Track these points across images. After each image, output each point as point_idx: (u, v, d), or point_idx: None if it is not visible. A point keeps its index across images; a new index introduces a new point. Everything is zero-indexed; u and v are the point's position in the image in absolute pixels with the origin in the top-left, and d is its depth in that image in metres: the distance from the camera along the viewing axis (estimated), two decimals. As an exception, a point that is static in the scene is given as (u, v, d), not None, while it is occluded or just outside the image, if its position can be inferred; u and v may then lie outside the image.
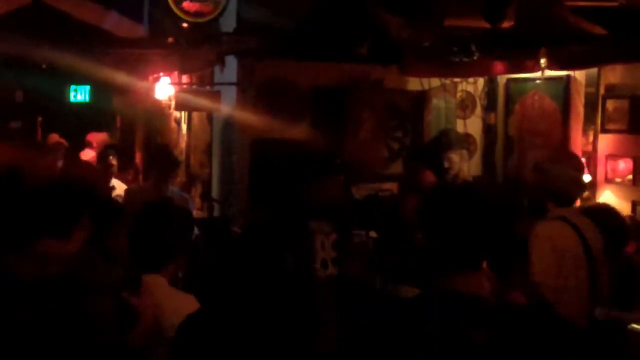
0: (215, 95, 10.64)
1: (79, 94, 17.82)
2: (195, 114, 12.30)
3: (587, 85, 9.26)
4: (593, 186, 8.95)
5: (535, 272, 5.17)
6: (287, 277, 2.91)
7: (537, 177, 5.56)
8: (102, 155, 10.90)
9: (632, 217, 8.14)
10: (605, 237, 5.33)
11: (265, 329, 2.87)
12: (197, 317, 3.28)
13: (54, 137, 13.74)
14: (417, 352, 2.80)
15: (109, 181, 9.78)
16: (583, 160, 8.88)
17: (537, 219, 5.46)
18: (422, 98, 10.76)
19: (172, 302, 4.05)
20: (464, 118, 10.82)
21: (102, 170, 9.96)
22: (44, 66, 14.16)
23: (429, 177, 8.37)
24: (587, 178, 8.83)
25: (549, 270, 5.11)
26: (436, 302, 2.92)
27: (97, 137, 13.12)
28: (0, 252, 3.45)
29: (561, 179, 5.36)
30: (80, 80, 17.27)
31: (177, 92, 11.53)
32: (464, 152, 10.27)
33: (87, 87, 17.66)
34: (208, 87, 11.28)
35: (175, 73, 12.52)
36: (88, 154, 12.75)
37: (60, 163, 10.46)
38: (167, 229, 4.28)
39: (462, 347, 2.78)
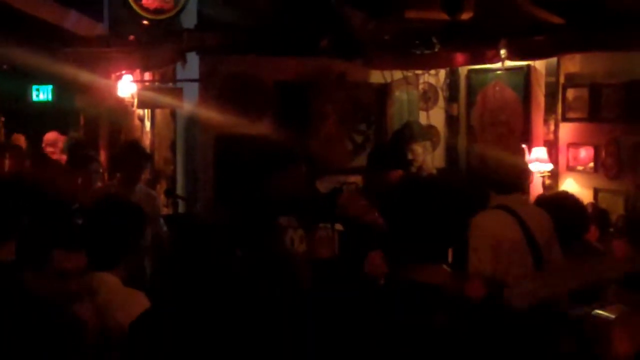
0: (178, 92, 10.61)
1: (42, 94, 17.69)
2: (158, 111, 12.26)
3: (547, 74, 9.34)
4: (555, 174, 9.04)
5: (472, 262, 5.03)
6: (240, 272, 2.92)
7: (480, 167, 5.49)
8: (83, 161, 10.66)
9: (594, 204, 8.22)
10: (563, 225, 5.30)
11: (221, 327, 2.88)
12: (150, 315, 3.28)
13: (19, 138, 13.65)
14: (380, 340, 2.83)
15: (91, 187, 9.56)
16: (544, 149, 8.99)
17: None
18: (384, 91, 10.78)
19: (120, 300, 3.97)
20: (427, 110, 10.85)
21: (84, 177, 9.65)
22: (4, 67, 14.06)
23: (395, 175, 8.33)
24: (548, 167, 8.92)
25: (486, 260, 4.95)
26: (399, 292, 2.95)
27: (46, 136, 13.01)
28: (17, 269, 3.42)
29: (499, 166, 5.26)
30: (43, 80, 17.14)
31: (139, 89, 11.47)
32: (427, 143, 10.33)
33: (50, 87, 17.53)
34: (170, 84, 11.25)
35: (138, 71, 12.47)
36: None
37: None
38: (118, 226, 4.20)
39: (424, 335, 2.80)
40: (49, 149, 12.39)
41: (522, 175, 5.48)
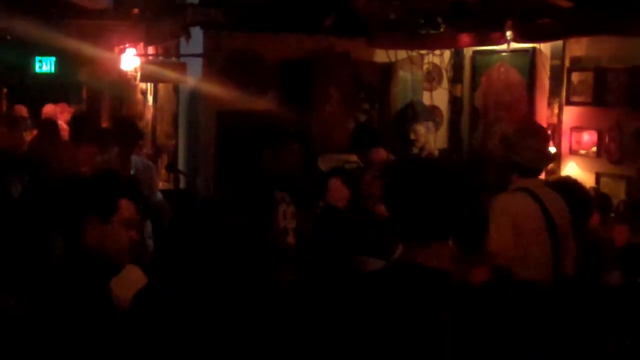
0: (181, 67, 10.58)
1: (45, 65, 17.68)
2: (161, 86, 12.23)
3: (553, 57, 9.31)
4: (558, 158, 9.02)
5: (492, 242, 5.15)
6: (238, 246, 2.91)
7: (503, 149, 5.52)
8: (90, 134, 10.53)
9: (596, 189, 8.20)
10: (571, 210, 5.31)
11: (219, 301, 2.87)
12: (150, 290, 3.27)
13: (21, 109, 13.62)
14: (380, 325, 2.81)
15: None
16: (548, 132, 8.97)
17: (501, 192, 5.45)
18: (388, 70, 10.75)
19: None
20: (431, 90, 10.83)
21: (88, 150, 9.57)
22: (8, 37, 14.03)
23: (381, 154, 8.36)
24: (551, 150, 8.90)
25: (506, 241, 5.07)
26: (400, 275, 2.93)
27: (44, 109, 13.01)
28: None
29: (526, 150, 5.29)
30: (46, 52, 17.13)
31: (142, 63, 11.45)
32: (430, 124, 10.30)
33: (53, 59, 17.53)
34: (174, 59, 11.21)
35: (141, 44, 12.43)
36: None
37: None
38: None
39: (426, 322, 2.79)
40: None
41: (546, 159, 5.58)
